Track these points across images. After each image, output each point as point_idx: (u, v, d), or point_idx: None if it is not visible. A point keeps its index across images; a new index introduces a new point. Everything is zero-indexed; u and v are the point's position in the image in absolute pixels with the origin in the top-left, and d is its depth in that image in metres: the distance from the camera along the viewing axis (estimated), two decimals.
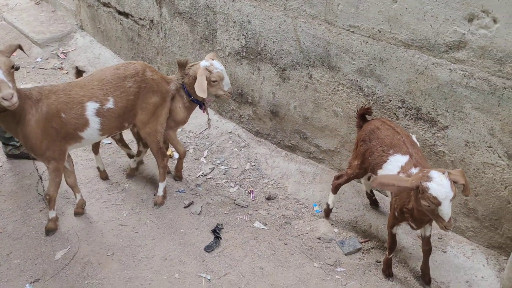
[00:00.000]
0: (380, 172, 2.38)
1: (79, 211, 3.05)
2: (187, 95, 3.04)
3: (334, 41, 2.86)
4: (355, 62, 2.81)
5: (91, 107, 2.65)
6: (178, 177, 3.44)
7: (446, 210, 1.94)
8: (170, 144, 3.40)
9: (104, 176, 3.37)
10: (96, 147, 3.29)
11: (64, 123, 2.61)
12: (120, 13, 4.67)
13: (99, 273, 2.66)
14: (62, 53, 5.27)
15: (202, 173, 3.50)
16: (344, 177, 2.78)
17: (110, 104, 2.69)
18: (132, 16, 4.50)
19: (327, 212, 3.01)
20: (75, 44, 5.36)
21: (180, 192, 3.30)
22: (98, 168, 3.37)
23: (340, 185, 2.84)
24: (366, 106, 2.67)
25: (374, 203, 3.03)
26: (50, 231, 2.93)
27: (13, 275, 2.64)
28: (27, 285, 2.58)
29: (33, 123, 2.53)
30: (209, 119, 3.23)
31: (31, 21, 5.77)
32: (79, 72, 3.31)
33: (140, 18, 4.40)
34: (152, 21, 4.26)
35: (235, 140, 3.78)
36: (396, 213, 2.28)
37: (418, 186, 1.96)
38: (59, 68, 5.06)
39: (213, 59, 2.91)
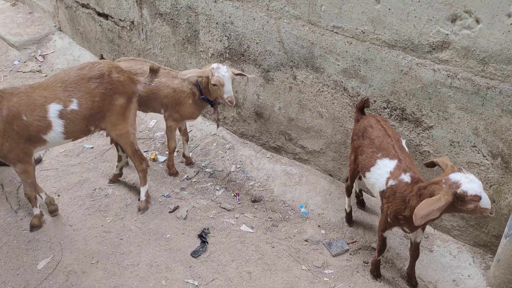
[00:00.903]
0: (368, 175, 2.37)
1: (52, 208, 3.04)
2: (199, 93, 3.04)
3: (318, 42, 2.85)
4: (339, 63, 2.80)
5: (53, 108, 2.58)
6: (171, 174, 3.40)
7: (487, 200, 1.94)
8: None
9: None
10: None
11: (26, 126, 2.54)
12: (99, 14, 4.58)
13: (84, 282, 2.60)
14: (40, 55, 5.15)
15: (187, 176, 3.45)
16: (348, 175, 2.76)
17: (73, 106, 2.61)
18: (112, 18, 4.42)
19: (347, 218, 2.95)
20: (53, 46, 5.24)
21: (165, 196, 3.25)
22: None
23: (349, 186, 2.81)
24: (365, 98, 2.63)
25: (361, 204, 3.03)
26: (34, 227, 2.91)
27: None
28: None
29: None
30: (218, 120, 3.21)
31: (7, 23, 5.64)
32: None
33: (120, 20, 4.32)
34: (132, 22, 4.20)
35: (220, 142, 3.75)
36: (389, 219, 2.26)
37: (455, 196, 1.91)
38: (38, 71, 4.95)
39: (224, 65, 2.89)
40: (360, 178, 2.86)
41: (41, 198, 2.98)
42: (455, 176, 1.91)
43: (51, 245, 2.83)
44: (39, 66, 5.03)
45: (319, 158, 3.25)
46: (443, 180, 1.94)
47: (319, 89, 2.99)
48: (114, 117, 2.76)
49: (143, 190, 3.08)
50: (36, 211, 2.89)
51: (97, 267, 2.69)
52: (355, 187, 2.96)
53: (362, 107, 2.66)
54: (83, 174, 3.45)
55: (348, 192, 2.86)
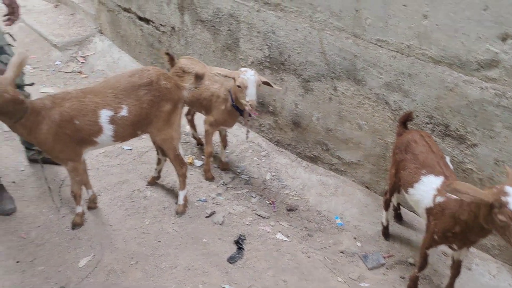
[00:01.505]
0: (411, 191, 2.37)
1: (92, 206, 3.16)
2: (230, 100, 3.07)
3: (361, 54, 2.86)
4: (382, 76, 2.81)
5: (104, 114, 2.66)
6: (207, 178, 3.46)
7: None
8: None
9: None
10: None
11: (77, 129, 2.64)
12: (140, 18, 4.69)
13: (123, 282, 2.66)
14: (81, 56, 5.30)
15: (223, 181, 3.50)
16: (388, 189, 2.76)
17: (123, 112, 2.70)
18: (153, 22, 4.52)
19: (384, 231, 2.95)
20: (94, 48, 5.39)
21: (201, 201, 3.30)
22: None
23: (388, 200, 2.81)
24: (408, 112, 2.62)
25: (398, 218, 3.02)
26: (76, 225, 3.00)
27: (37, 282, 2.64)
28: None
29: (45, 131, 2.58)
30: (248, 131, 3.24)
31: (50, 23, 5.82)
32: (171, 59, 3.43)
33: (161, 25, 4.42)
34: (173, 28, 4.28)
35: (255, 149, 3.79)
36: (435, 236, 2.24)
37: (495, 201, 1.85)
38: (79, 72, 5.09)
39: (252, 69, 2.92)
40: (399, 192, 2.85)
41: (87, 193, 3.07)
42: (509, 188, 1.87)
43: (92, 244, 2.91)
44: (80, 67, 5.17)
45: (356, 170, 3.25)
46: (498, 186, 1.90)
47: (360, 101, 2.99)
48: (160, 123, 2.83)
49: (181, 194, 3.14)
50: (79, 209, 2.98)
51: (136, 268, 2.75)
52: (393, 201, 2.96)
53: (404, 121, 2.66)
54: (122, 175, 3.54)
55: (386, 205, 2.86)
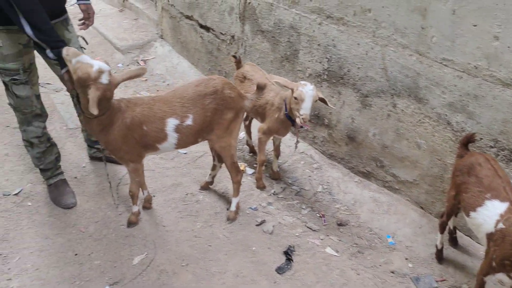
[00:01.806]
0: (473, 214, 2.30)
1: (147, 206, 3.27)
2: (284, 109, 3.10)
3: (425, 73, 2.81)
4: (446, 96, 2.75)
5: (171, 123, 2.76)
6: (258, 187, 3.50)
7: None
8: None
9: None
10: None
11: (144, 135, 2.75)
12: (201, 26, 4.82)
13: (174, 283, 2.73)
14: (142, 60, 5.50)
15: (274, 191, 3.52)
16: (445, 212, 2.70)
17: (189, 121, 2.78)
18: (214, 30, 4.63)
19: (438, 255, 2.88)
20: (154, 53, 5.58)
21: (252, 209, 3.34)
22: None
23: (444, 222, 2.74)
24: (470, 134, 2.55)
25: (453, 241, 2.93)
26: (131, 223, 3.11)
27: (94, 275, 2.76)
28: (107, 287, 2.70)
29: (116, 132, 2.70)
30: (297, 141, 3.26)
31: (115, 27, 6.08)
32: (238, 62, 3.54)
33: (221, 33, 4.52)
34: (233, 36, 4.37)
35: (308, 161, 3.79)
36: (494, 263, 2.18)
37: None
38: None
39: (312, 84, 2.93)
40: (456, 215, 2.77)
41: (143, 193, 3.19)
42: None
43: (146, 243, 3.01)
44: None
45: (411, 189, 3.18)
46: None
47: (420, 120, 2.94)
48: (221, 131, 2.90)
49: (234, 201, 3.19)
50: (135, 208, 3.09)
51: (187, 270, 2.82)
52: (450, 224, 2.87)
53: (466, 143, 2.59)
54: (177, 178, 3.63)
55: (442, 228, 2.78)
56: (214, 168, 3.42)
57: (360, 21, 3.10)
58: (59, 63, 2.64)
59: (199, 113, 2.78)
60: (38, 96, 3.06)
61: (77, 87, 2.54)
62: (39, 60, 3.03)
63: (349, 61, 3.26)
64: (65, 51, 2.46)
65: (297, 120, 2.91)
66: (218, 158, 3.31)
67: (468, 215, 2.37)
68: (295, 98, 2.90)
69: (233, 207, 3.21)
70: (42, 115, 3.12)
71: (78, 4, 3.16)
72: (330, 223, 3.24)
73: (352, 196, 3.42)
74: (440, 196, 3.01)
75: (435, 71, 2.76)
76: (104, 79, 2.46)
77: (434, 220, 3.07)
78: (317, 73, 3.56)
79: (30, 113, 3.02)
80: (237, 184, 3.14)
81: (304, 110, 2.88)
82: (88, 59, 2.45)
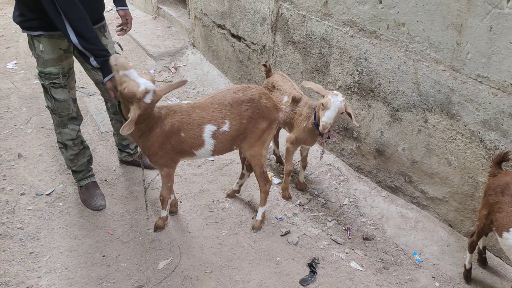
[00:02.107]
0: (506, 235, 2.24)
1: (173, 210, 3.32)
2: (313, 118, 3.11)
3: (458, 89, 2.77)
4: (479, 113, 2.70)
5: (208, 129, 2.79)
6: (284, 197, 3.51)
7: None
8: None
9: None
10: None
11: (181, 141, 2.79)
12: (233, 35, 4.88)
13: None
14: (173, 67, 5.60)
15: (300, 202, 3.52)
16: (475, 231, 2.65)
17: (225, 127, 2.81)
18: (245, 40, 4.68)
19: (466, 274, 2.81)
20: (186, 60, 5.67)
21: (277, 219, 3.34)
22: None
23: (474, 242, 2.68)
24: (504, 152, 2.49)
25: (482, 262, 2.87)
26: (158, 228, 3.16)
27: (120, 277, 2.81)
28: None
29: (154, 138, 2.75)
30: (323, 151, 3.26)
31: (148, 34, 6.21)
32: (268, 70, 3.57)
33: (253, 43, 4.56)
34: (264, 46, 4.41)
35: (334, 173, 3.77)
36: None
37: None
38: (170, 82, 5.37)
39: (343, 96, 2.92)
40: (486, 235, 2.71)
41: (169, 197, 3.24)
42: None
43: (171, 248, 3.05)
44: (171, 77, 5.46)
45: (440, 206, 3.13)
46: None
47: (451, 136, 2.90)
48: (253, 139, 2.93)
49: (261, 210, 3.20)
50: (164, 213, 3.13)
51: (211, 277, 2.84)
52: (479, 244, 2.81)
53: (500, 161, 2.53)
54: (203, 184, 3.67)
55: (471, 247, 2.72)
56: (242, 176, 3.44)
57: (393, 35, 3.08)
58: (101, 71, 2.71)
59: (236, 119, 2.81)
60: (74, 100, 3.15)
61: (120, 97, 2.59)
62: (75, 65, 3.13)
63: (381, 75, 3.24)
64: (113, 60, 2.47)
65: (320, 128, 2.92)
66: (247, 167, 3.33)
67: (501, 235, 2.32)
68: (322, 104, 2.91)
69: (259, 216, 3.22)
70: (77, 118, 3.21)
71: (117, 10, 3.26)
72: (355, 237, 3.21)
73: (379, 210, 3.38)
74: (470, 215, 2.95)
75: (469, 88, 2.72)
76: (148, 99, 2.50)
77: (462, 239, 3.01)
78: (347, 85, 3.55)
79: (67, 116, 3.11)
80: (264, 193, 3.15)
81: (326, 118, 2.87)
82: (135, 76, 2.46)
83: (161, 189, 3.05)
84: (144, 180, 3.39)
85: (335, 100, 2.87)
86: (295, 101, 2.93)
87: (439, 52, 2.84)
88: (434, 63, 2.89)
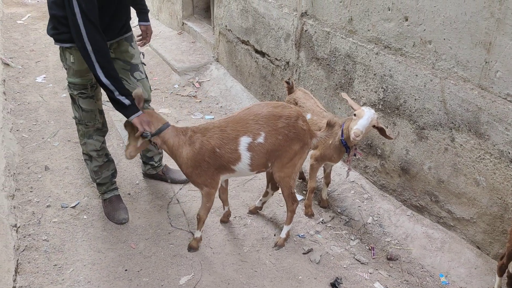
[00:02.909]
0: None
1: (224, 220, 3.38)
2: (340, 134, 3.10)
3: (487, 108, 2.71)
4: (509, 133, 2.64)
5: (244, 141, 2.80)
6: (307, 214, 3.48)
7: None
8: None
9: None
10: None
11: (218, 157, 2.81)
12: (257, 51, 4.91)
13: None
14: (197, 82, 5.66)
15: (322, 219, 3.48)
16: (505, 253, 2.57)
17: (260, 139, 2.81)
18: (269, 56, 4.71)
19: None
20: (209, 75, 5.72)
21: (299, 236, 3.31)
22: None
23: (504, 265, 2.60)
24: None
25: (511, 286, 2.77)
26: (191, 248, 3.15)
27: None
28: None
29: (184, 156, 2.82)
30: (349, 169, 3.23)
31: (173, 49, 6.30)
32: (290, 88, 3.57)
33: (276, 59, 4.58)
34: (288, 62, 4.42)
35: (358, 191, 3.72)
36: None
37: None
38: (193, 96, 5.43)
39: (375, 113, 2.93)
40: None
41: (223, 209, 3.36)
42: None
43: (192, 263, 3.04)
44: (195, 91, 5.52)
45: (467, 227, 3.05)
46: None
47: (479, 156, 2.83)
48: (286, 159, 2.91)
49: (286, 229, 3.18)
50: (198, 234, 3.13)
51: None
52: (509, 267, 2.72)
53: None
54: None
55: (501, 271, 2.63)
56: (266, 194, 3.42)
57: (419, 52, 3.05)
58: (122, 112, 2.83)
59: (271, 133, 2.81)
60: (101, 111, 3.23)
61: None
62: None
63: (406, 92, 3.21)
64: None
65: (351, 136, 2.89)
66: (272, 185, 3.31)
67: None
68: (355, 115, 2.91)
69: (283, 234, 3.19)
70: (102, 129, 3.28)
71: (139, 25, 3.51)
72: (379, 257, 3.15)
73: (403, 230, 3.32)
74: (499, 237, 2.86)
75: (499, 107, 2.66)
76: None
77: (491, 261, 2.92)
78: (371, 102, 3.52)
79: (92, 127, 3.18)
80: (291, 212, 3.13)
81: (358, 126, 2.84)
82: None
83: (199, 209, 3.05)
84: (174, 194, 3.36)
85: (369, 111, 2.88)
86: (330, 125, 2.92)
87: (466, 70, 2.80)
88: (461, 81, 2.84)
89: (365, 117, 2.85)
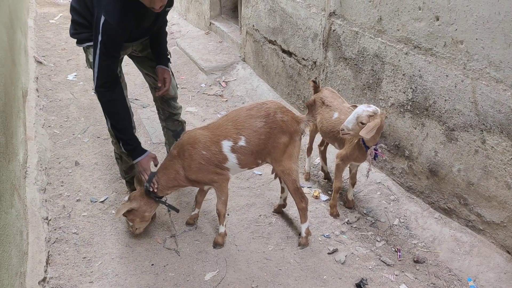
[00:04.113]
0: None
1: (190, 222, 3.39)
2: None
3: None
4: None
5: (226, 144, 2.92)
6: (332, 214, 3.47)
7: None
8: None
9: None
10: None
11: (208, 158, 2.95)
12: (284, 51, 4.92)
13: None
14: (223, 81, 5.70)
15: (348, 220, 3.46)
16: None
17: (242, 142, 2.91)
18: (296, 56, 4.70)
19: None
20: (236, 74, 5.76)
21: (324, 236, 3.30)
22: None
23: None
24: None
25: None
26: (217, 244, 3.18)
27: (168, 287, 2.85)
28: None
29: (181, 171, 3.02)
30: (369, 169, 3.20)
31: (200, 49, 6.36)
32: (316, 87, 3.56)
33: (303, 59, 4.58)
34: (315, 62, 4.41)
35: (384, 192, 3.69)
36: None
37: None
38: (220, 95, 5.47)
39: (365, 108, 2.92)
40: None
41: (193, 210, 3.41)
42: None
43: (217, 260, 3.07)
44: (222, 91, 5.56)
45: (497, 231, 2.98)
46: None
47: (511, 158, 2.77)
48: (278, 154, 2.99)
49: (303, 227, 3.18)
50: (222, 229, 3.16)
51: None
52: None
53: None
54: (250, 198, 3.69)
55: None
56: (283, 190, 3.44)
57: (450, 52, 3.00)
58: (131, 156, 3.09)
59: (252, 135, 2.90)
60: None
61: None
62: (129, 78, 3.26)
63: (436, 93, 3.16)
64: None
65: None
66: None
67: None
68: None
69: (303, 233, 3.19)
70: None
71: (157, 68, 3.31)
72: (405, 259, 3.11)
73: (431, 232, 3.27)
74: None
75: None
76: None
77: None
78: (400, 103, 3.48)
79: None
80: (302, 210, 3.13)
81: (345, 122, 2.92)
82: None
83: (216, 204, 3.13)
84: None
85: (360, 108, 2.90)
86: (309, 106, 2.98)
87: (499, 71, 2.74)
88: (494, 82, 2.79)
89: (353, 113, 2.89)
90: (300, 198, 3.10)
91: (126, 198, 3.10)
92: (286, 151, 2.98)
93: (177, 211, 3.21)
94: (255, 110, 2.95)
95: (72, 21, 3.04)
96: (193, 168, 2.97)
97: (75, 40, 3.07)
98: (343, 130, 2.92)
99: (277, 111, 2.94)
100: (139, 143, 3.08)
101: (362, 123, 2.86)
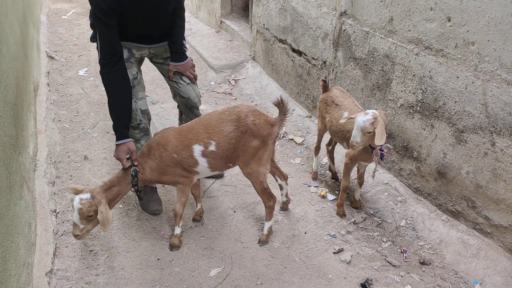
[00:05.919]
0: None
1: (197, 218, 3.38)
2: None
3: None
4: None
5: (197, 149, 2.89)
6: (338, 213, 3.48)
7: None
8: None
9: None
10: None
11: (178, 161, 2.92)
12: (294, 50, 4.92)
13: None
14: (233, 80, 5.71)
15: (354, 220, 3.45)
16: None
17: (212, 147, 2.88)
18: (305, 55, 4.70)
19: None
20: (245, 73, 5.77)
21: (330, 236, 3.29)
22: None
23: None
24: None
25: None
26: (173, 247, 3.14)
27: (173, 281, 2.87)
28: None
29: (149, 171, 2.96)
30: (375, 170, 3.19)
31: (211, 47, 6.38)
32: (325, 86, 3.57)
33: (313, 58, 4.57)
34: (324, 62, 4.40)
35: (391, 193, 3.67)
36: None
37: None
38: (229, 94, 5.48)
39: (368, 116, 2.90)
40: None
41: (196, 206, 3.40)
42: None
43: (223, 256, 3.08)
44: (231, 89, 5.57)
45: (505, 235, 2.96)
46: None
47: None
48: (247, 157, 2.94)
49: (266, 225, 3.19)
50: (178, 230, 3.13)
51: None
52: None
53: None
54: (257, 196, 3.66)
55: None
56: (281, 188, 3.45)
57: (461, 54, 2.99)
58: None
59: (222, 140, 2.87)
60: (143, 111, 3.28)
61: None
62: (147, 77, 3.28)
63: (446, 94, 3.14)
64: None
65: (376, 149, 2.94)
66: (280, 177, 3.38)
67: None
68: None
69: (265, 231, 3.20)
70: (148, 133, 3.37)
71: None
72: (411, 261, 3.09)
73: (437, 234, 3.25)
74: None
75: None
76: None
77: None
78: (409, 104, 3.47)
79: (137, 127, 3.25)
80: (269, 209, 3.13)
81: (352, 137, 2.91)
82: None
83: (174, 204, 3.12)
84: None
85: (359, 119, 2.87)
86: (278, 105, 2.88)
87: (511, 73, 2.72)
88: (505, 84, 2.76)
89: (355, 126, 2.88)
90: (268, 197, 3.10)
91: (87, 196, 2.75)
92: (256, 154, 2.94)
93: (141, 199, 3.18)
94: (227, 114, 2.91)
95: (91, 24, 3.14)
96: (160, 169, 2.95)
97: (89, 37, 3.13)
98: (354, 146, 2.92)
99: (249, 114, 2.89)
100: (124, 128, 3.04)
101: (369, 133, 2.86)
